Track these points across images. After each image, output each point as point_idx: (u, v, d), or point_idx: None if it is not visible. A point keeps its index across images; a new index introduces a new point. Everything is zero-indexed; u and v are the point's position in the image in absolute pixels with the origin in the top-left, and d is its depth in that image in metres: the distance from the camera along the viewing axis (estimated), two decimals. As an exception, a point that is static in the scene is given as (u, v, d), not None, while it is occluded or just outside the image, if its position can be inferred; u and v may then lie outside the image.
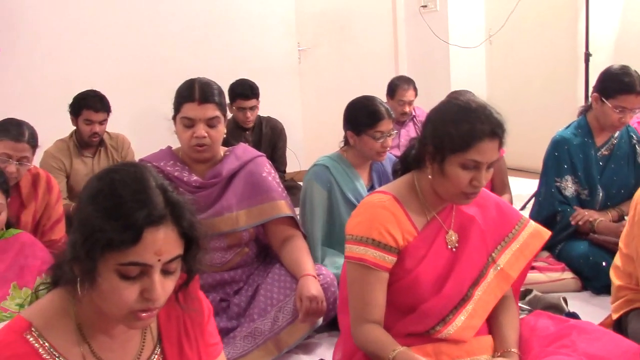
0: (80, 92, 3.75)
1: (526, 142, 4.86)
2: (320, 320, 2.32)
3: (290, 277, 2.39)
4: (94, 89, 3.82)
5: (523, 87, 5.79)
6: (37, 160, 3.10)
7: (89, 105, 3.66)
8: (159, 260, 1.13)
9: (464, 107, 1.73)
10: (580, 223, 2.96)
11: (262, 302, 2.37)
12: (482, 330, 1.86)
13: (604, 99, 2.93)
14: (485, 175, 1.72)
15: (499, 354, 1.82)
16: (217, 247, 2.41)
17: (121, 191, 1.12)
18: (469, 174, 1.70)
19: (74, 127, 3.77)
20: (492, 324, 1.89)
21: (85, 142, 3.75)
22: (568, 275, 2.95)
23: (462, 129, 1.68)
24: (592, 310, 2.56)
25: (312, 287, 2.25)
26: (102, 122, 3.73)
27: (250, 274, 2.52)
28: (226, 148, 2.54)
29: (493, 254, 1.87)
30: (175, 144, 2.54)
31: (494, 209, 1.92)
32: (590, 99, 3.09)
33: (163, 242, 1.12)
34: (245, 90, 4.33)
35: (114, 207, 1.11)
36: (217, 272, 2.44)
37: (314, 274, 2.32)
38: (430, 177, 1.77)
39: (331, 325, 2.46)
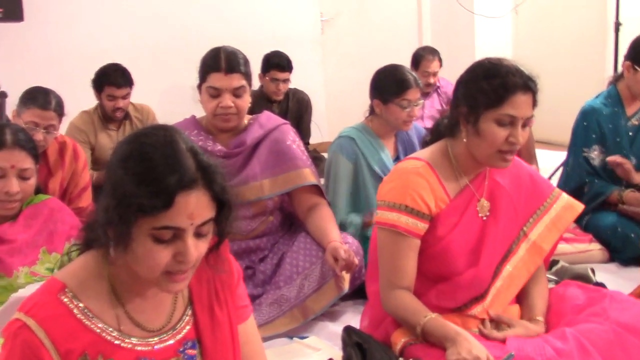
0: (101, 66, 3.73)
1: (553, 115, 4.77)
2: (347, 288, 2.33)
3: (315, 245, 2.39)
4: (119, 59, 3.83)
5: (549, 58, 5.67)
6: (62, 130, 3.11)
7: (111, 81, 3.64)
8: (192, 224, 1.12)
9: (495, 64, 1.73)
10: (617, 163, 2.87)
11: (288, 270, 2.38)
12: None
13: (637, 67, 2.87)
14: (521, 133, 1.70)
15: (525, 320, 1.82)
16: (242, 215, 2.42)
17: (152, 155, 1.12)
18: (505, 131, 1.69)
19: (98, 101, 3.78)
20: (520, 293, 1.89)
21: (109, 116, 3.76)
22: (595, 246, 2.93)
23: (494, 84, 1.68)
24: (620, 282, 2.53)
25: (341, 248, 2.24)
26: (125, 97, 3.72)
27: (276, 242, 2.53)
28: (250, 116, 2.53)
29: (525, 228, 1.86)
30: (200, 114, 2.53)
31: (528, 179, 1.91)
32: (621, 68, 3.03)
33: (195, 206, 1.12)
34: (281, 62, 4.35)
35: (145, 172, 1.10)
36: (242, 240, 2.45)
37: (340, 241, 2.31)
38: (465, 140, 1.75)
39: (356, 293, 2.47)
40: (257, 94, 4.15)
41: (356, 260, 2.23)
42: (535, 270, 1.88)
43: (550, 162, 4.05)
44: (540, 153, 3.95)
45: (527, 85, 1.68)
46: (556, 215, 1.89)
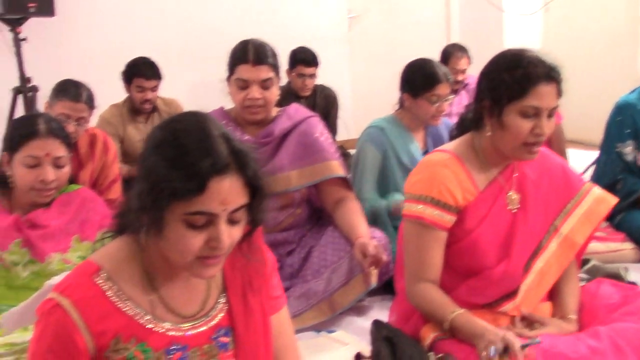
0: (131, 59, 3.80)
1: (584, 114, 4.72)
2: (375, 283, 2.31)
3: (343, 239, 2.37)
4: (148, 54, 3.87)
5: (580, 56, 5.57)
6: (92, 123, 3.15)
7: (140, 72, 3.71)
8: (225, 209, 1.12)
9: (517, 55, 1.70)
10: None
11: (316, 264, 2.37)
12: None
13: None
14: (547, 124, 1.66)
15: (557, 318, 1.79)
16: (270, 207, 2.41)
17: (184, 140, 1.12)
18: (530, 123, 1.66)
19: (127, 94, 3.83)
20: (551, 290, 1.86)
21: (137, 108, 3.80)
22: (628, 245, 2.87)
23: (516, 75, 1.65)
24: (653, 282, 2.47)
25: (370, 245, 2.23)
26: (154, 89, 3.78)
27: (303, 235, 2.53)
28: (278, 108, 2.53)
29: (555, 222, 1.83)
30: (229, 107, 2.54)
31: (559, 172, 1.87)
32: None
33: (228, 192, 1.12)
34: (307, 57, 4.36)
35: (178, 157, 1.10)
36: (269, 232, 2.45)
37: (368, 236, 2.30)
38: (489, 134, 1.73)
39: (384, 288, 2.45)
40: (285, 90, 4.15)
41: (384, 256, 2.22)
42: (567, 266, 1.85)
43: (581, 162, 3.98)
44: (572, 152, 3.90)
45: (550, 74, 1.65)
46: (589, 209, 1.85)
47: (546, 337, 1.63)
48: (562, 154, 3.43)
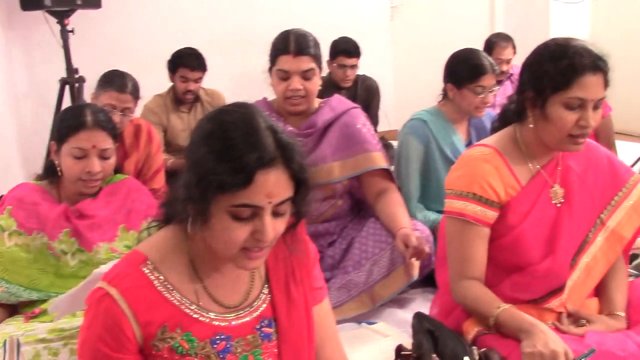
0: (179, 49, 3.85)
1: (633, 105, 4.58)
2: (416, 275, 2.30)
3: (385, 231, 2.37)
4: (192, 45, 3.92)
5: (629, 46, 5.42)
6: (137, 113, 3.20)
7: (185, 63, 3.76)
8: (270, 202, 1.13)
9: (561, 44, 1.64)
10: None
11: (357, 255, 2.37)
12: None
13: None
14: (592, 115, 1.62)
15: (605, 315, 1.75)
16: (312, 199, 2.42)
17: (232, 133, 1.12)
18: (575, 114, 1.61)
19: (171, 83, 3.88)
20: (599, 285, 1.82)
21: (180, 98, 3.84)
22: (679, 241, 2.78)
23: (561, 65, 1.60)
24: None
25: (413, 235, 2.22)
26: (197, 80, 3.82)
27: (344, 227, 2.53)
28: (321, 100, 2.52)
29: (602, 216, 1.78)
30: (271, 98, 2.55)
31: (605, 164, 1.82)
32: None
33: (274, 185, 1.12)
34: (349, 48, 4.30)
35: (226, 150, 1.11)
36: (311, 223, 2.46)
37: (410, 228, 2.28)
38: (531, 125, 1.69)
39: (425, 281, 2.44)
40: (326, 81, 4.13)
41: (427, 248, 2.20)
42: (614, 261, 1.80)
43: (631, 154, 3.88)
44: (620, 145, 3.80)
45: (596, 65, 1.59)
46: (637, 201, 1.79)
47: (594, 335, 1.60)
48: (611, 146, 3.34)
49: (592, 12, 5.81)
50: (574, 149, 1.68)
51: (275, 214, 1.15)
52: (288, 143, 1.16)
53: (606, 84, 1.62)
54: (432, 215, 2.67)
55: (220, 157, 1.11)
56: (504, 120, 1.85)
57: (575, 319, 1.73)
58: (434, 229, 2.57)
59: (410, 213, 2.46)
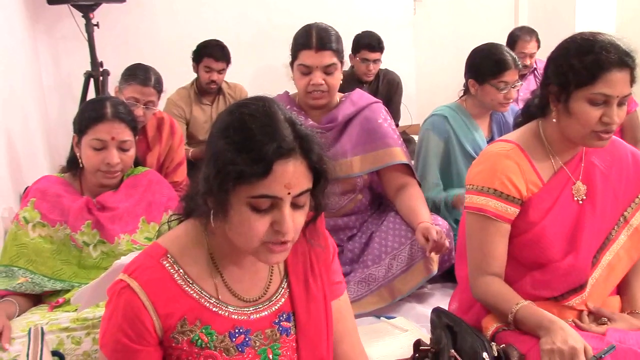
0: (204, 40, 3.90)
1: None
2: (435, 270, 2.29)
3: (405, 225, 2.37)
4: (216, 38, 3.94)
5: (658, 39, 5.33)
6: (161, 106, 3.22)
7: (210, 53, 3.81)
8: (289, 193, 1.13)
9: (588, 39, 1.61)
10: None
11: (377, 249, 2.37)
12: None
13: None
14: (617, 112, 1.59)
15: (626, 313, 1.73)
16: (332, 192, 2.42)
17: (251, 125, 1.13)
18: (599, 110, 1.59)
19: (195, 75, 3.92)
20: (621, 283, 1.79)
21: (204, 89, 3.87)
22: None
23: (586, 60, 1.57)
24: None
25: (433, 229, 2.21)
26: (221, 72, 3.86)
27: (364, 221, 2.53)
28: (342, 94, 2.52)
29: (625, 213, 1.76)
30: (293, 91, 2.55)
31: (630, 161, 1.79)
32: None
33: (293, 175, 1.13)
34: (372, 42, 4.28)
35: (244, 141, 1.12)
36: (331, 217, 2.47)
37: (431, 222, 2.28)
38: (555, 120, 1.67)
39: (445, 276, 2.43)
40: (347, 75, 4.13)
41: (447, 243, 2.19)
42: (637, 259, 1.78)
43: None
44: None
45: (623, 61, 1.56)
46: None
47: (615, 333, 1.58)
48: (636, 142, 3.29)
49: (618, 5, 5.71)
50: (599, 145, 1.66)
51: (295, 205, 1.16)
52: (307, 134, 1.16)
53: (633, 80, 1.60)
54: (446, 193, 2.66)
55: (239, 148, 1.11)
56: (527, 115, 1.83)
57: (597, 317, 1.71)
58: (453, 202, 2.58)
59: (429, 205, 2.46)
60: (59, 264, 2.01)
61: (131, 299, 1.16)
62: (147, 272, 1.19)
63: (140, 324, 1.16)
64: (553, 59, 1.69)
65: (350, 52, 4.30)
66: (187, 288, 1.21)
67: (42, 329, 1.73)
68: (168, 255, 1.21)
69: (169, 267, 1.21)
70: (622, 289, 1.80)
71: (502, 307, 1.67)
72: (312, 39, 2.33)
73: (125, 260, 1.51)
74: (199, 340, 1.20)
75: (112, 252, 2.01)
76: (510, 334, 1.65)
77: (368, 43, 4.29)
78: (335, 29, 2.43)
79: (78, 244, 2.02)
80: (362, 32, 4.39)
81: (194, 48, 3.89)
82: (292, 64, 2.42)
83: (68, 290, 1.99)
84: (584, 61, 1.58)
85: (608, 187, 1.75)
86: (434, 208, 2.60)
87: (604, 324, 1.67)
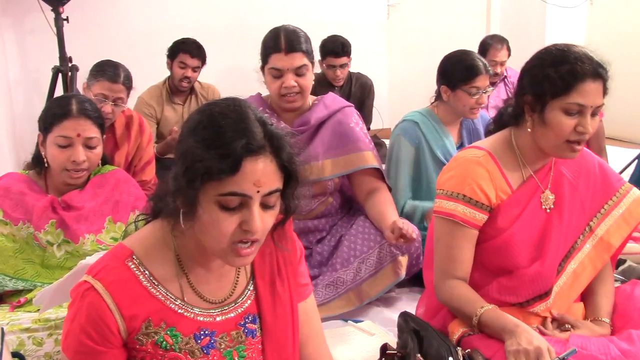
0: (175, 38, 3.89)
1: (626, 111, 4.60)
2: (403, 274, 2.30)
3: (374, 229, 2.38)
4: (188, 36, 3.93)
5: (625, 52, 5.42)
6: (131, 104, 3.18)
7: (186, 49, 3.81)
8: (258, 191, 1.12)
9: (563, 50, 1.64)
10: None
11: (345, 253, 2.37)
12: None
13: None
14: (591, 122, 1.62)
15: (589, 321, 1.76)
16: (303, 195, 2.42)
17: (221, 122, 1.12)
18: (573, 120, 1.62)
19: (169, 72, 3.89)
20: (585, 291, 1.82)
21: (176, 87, 3.84)
22: (666, 247, 2.79)
23: (562, 70, 1.60)
24: (691, 286, 2.41)
25: (399, 220, 2.22)
26: (195, 69, 3.84)
27: (334, 224, 2.53)
28: (315, 97, 2.52)
29: (591, 223, 1.79)
30: (265, 93, 2.54)
31: (597, 171, 1.83)
32: None
33: (262, 173, 1.12)
34: (336, 48, 4.23)
35: (213, 137, 1.11)
36: (300, 220, 2.46)
37: None
38: (529, 130, 1.69)
39: (413, 281, 2.44)
40: (320, 78, 4.12)
41: (414, 235, 2.20)
42: (601, 268, 1.81)
43: (621, 160, 3.90)
44: (611, 150, 3.81)
45: (597, 72, 1.59)
46: (627, 210, 1.80)
47: (577, 339, 1.60)
48: (601, 151, 3.34)
49: (588, 17, 5.83)
50: (571, 155, 1.69)
51: (264, 206, 1.15)
52: (277, 134, 1.15)
53: (605, 91, 1.63)
54: (420, 203, 2.67)
55: (208, 144, 1.10)
56: (499, 123, 1.85)
57: (560, 323, 1.73)
58: (423, 215, 2.58)
59: (399, 212, 2.46)
60: (21, 263, 1.97)
61: (95, 300, 1.14)
62: (111, 274, 1.17)
63: (104, 326, 1.14)
64: (528, 69, 1.71)
65: (319, 58, 4.27)
66: (152, 289, 1.19)
67: (2, 329, 1.69)
68: (133, 257, 1.20)
69: (134, 269, 1.19)
70: (585, 296, 1.82)
71: (466, 311, 1.68)
72: (281, 42, 2.32)
73: (91, 260, 1.48)
74: (164, 342, 1.18)
75: (76, 252, 1.97)
76: (476, 338, 1.66)
77: (332, 50, 4.23)
78: (303, 30, 2.42)
79: (42, 243, 1.98)
80: (327, 37, 4.32)
81: (167, 45, 3.86)
82: (262, 68, 2.41)
83: (30, 290, 1.95)
84: (559, 71, 1.60)
85: (575, 196, 1.78)
86: (403, 214, 2.61)
87: (567, 331, 1.69)
